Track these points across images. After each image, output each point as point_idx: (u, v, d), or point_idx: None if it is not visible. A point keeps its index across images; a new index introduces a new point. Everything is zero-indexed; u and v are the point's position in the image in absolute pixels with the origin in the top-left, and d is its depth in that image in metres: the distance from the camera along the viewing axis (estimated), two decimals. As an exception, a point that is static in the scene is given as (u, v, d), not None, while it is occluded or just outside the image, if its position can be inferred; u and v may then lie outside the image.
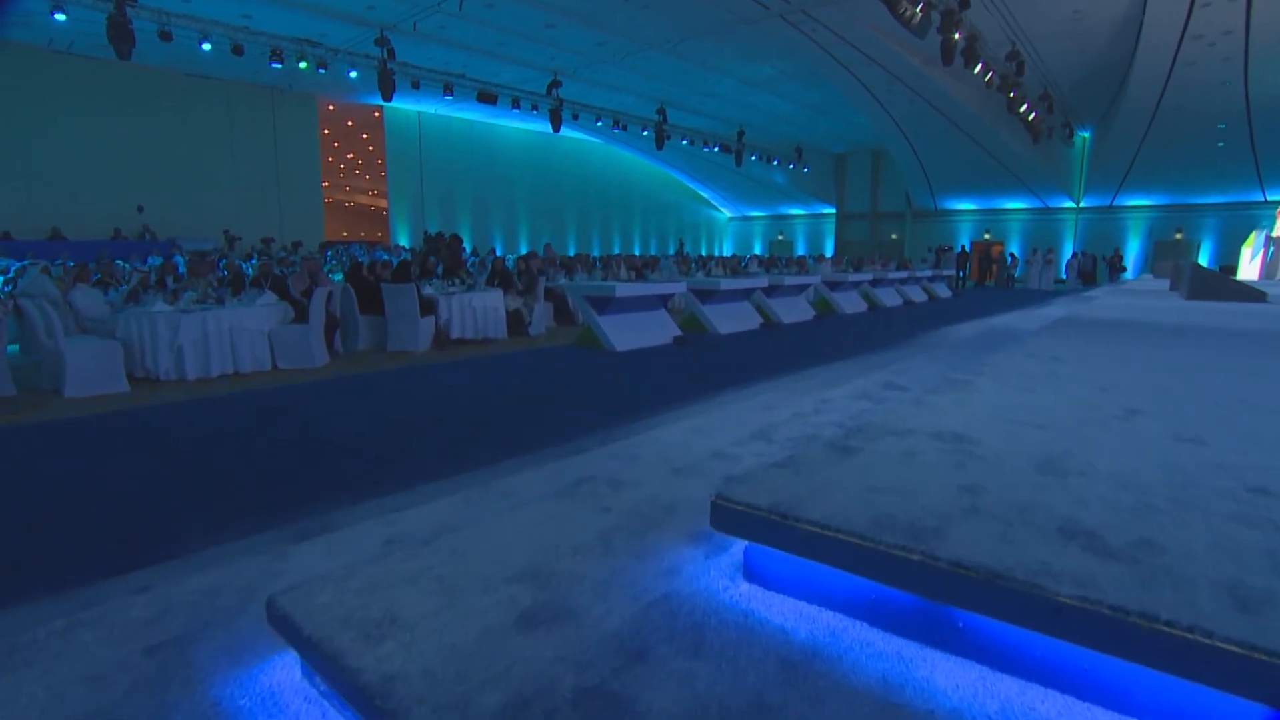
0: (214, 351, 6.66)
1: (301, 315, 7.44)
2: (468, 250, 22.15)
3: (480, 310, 9.06)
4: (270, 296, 7.46)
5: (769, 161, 27.81)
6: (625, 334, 8.08)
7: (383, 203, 26.07)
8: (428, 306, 8.57)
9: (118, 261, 12.28)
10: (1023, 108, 16.81)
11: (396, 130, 23.73)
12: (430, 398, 5.61)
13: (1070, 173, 24.63)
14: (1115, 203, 24.62)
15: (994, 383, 3.40)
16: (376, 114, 23.42)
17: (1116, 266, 23.15)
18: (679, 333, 8.88)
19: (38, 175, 16.74)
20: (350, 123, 25.21)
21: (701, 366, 6.86)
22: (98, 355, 6.04)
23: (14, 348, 8.36)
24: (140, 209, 17.67)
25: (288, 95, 20.46)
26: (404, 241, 23.82)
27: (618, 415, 4.46)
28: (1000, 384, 3.37)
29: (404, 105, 22.49)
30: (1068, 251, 25.57)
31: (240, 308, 6.91)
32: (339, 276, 12.55)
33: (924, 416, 2.62)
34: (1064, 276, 23.95)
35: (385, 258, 17.91)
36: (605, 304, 8.03)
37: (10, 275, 11.61)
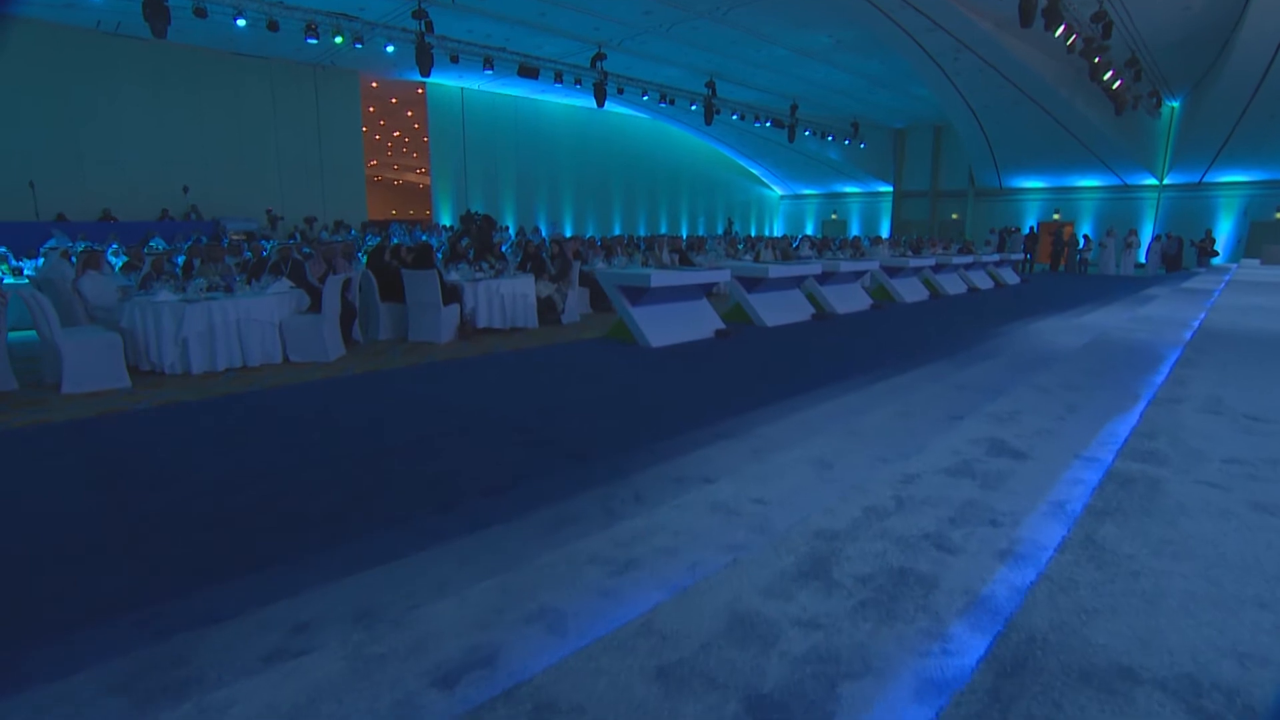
0: (220, 344, 6.25)
1: (318, 304, 7.00)
2: (511, 231, 21.70)
3: (508, 298, 8.48)
4: (284, 284, 7.02)
5: (823, 137, 26.46)
6: (661, 328, 7.38)
7: (430, 181, 25.88)
8: (452, 294, 8.04)
9: (150, 244, 12.16)
10: (1107, 75, 15.26)
11: (439, 107, 23.31)
12: (431, 407, 5.03)
13: (1154, 147, 22.63)
14: (1205, 179, 22.54)
15: (1195, 483, 2.29)
16: (420, 90, 23.02)
17: (1207, 251, 21.11)
18: (721, 325, 8.13)
19: (89, 156, 16.87)
20: (394, 100, 24.90)
21: (744, 371, 6.10)
22: (96, 349, 5.68)
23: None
24: (185, 190, 17.68)
25: (330, 72, 20.19)
26: (447, 221, 23.51)
27: (633, 448, 3.67)
28: (1210, 484, 2.26)
29: (446, 81, 22.02)
30: (1146, 233, 23.61)
31: (249, 297, 6.47)
32: (371, 259, 12.15)
33: (1121, 600, 1.54)
34: (1143, 261, 22.11)
35: (424, 238, 17.63)
36: (640, 294, 7.34)
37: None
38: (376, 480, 3.35)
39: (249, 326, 6.41)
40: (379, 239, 15.18)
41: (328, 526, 2.78)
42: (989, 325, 8.67)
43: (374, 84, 22.21)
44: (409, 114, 26.50)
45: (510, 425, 4.34)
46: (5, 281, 9.40)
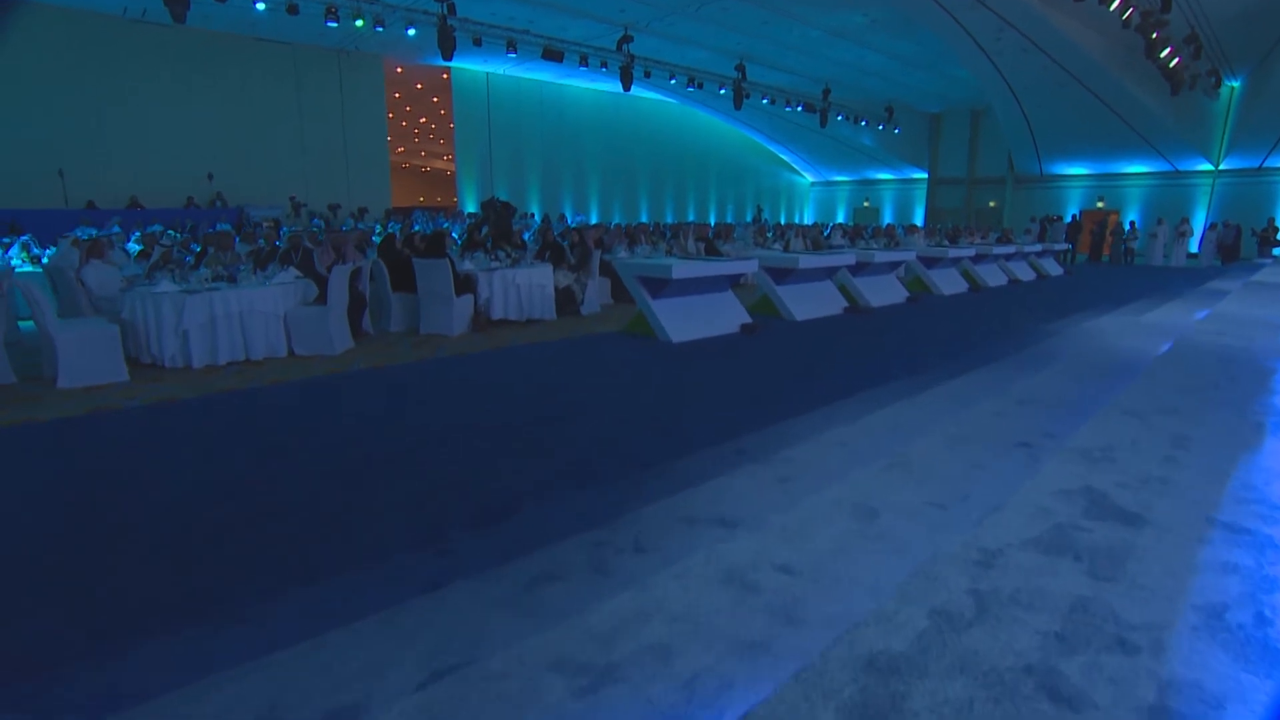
0: (222, 336, 5.99)
1: (326, 294, 6.71)
2: (537, 218, 21.37)
3: (525, 288, 8.13)
4: (290, 274, 6.75)
5: (856, 122, 25.64)
6: (683, 322, 6.96)
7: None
8: (466, 284, 7.71)
9: (169, 232, 12.06)
10: (1164, 52, 14.32)
11: (464, 92, 23.02)
12: (433, 409, 4.69)
13: (1211, 130, 21.42)
14: (1266, 164, 21.30)
15: None
16: (445, 76, 22.73)
17: (1269, 240, 19.88)
18: (748, 319, 7.69)
19: (116, 144, 16.90)
20: (419, 85, 24.66)
21: (771, 372, 5.65)
22: (93, 341, 5.45)
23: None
24: (210, 176, 17.65)
25: (354, 58, 19.99)
26: (472, 208, 23.28)
27: (643, 467, 3.22)
28: None
29: (471, 66, 21.70)
30: (1198, 221, 22.43)
31: (253, 288, 6.21)
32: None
33: None
34: (1195, 251, 21.00)
35: (446, 225, 17.36)
36: (661, 286, 6.93)
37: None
38: (357, 498, 3.00)
39: (252, 318, 6.14)
40: (399, 226, 14.93)
41: (284, 564, 2.39)
42: (1038, 321, 8.06)
43: (399, 69, 21.97)
44: (435, 100, 26.27)
45: (514, 432, 3.98)
46: (18, 270, 9.33)
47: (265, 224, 14.37)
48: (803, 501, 2.51)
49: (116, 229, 12.30)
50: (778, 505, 2.52)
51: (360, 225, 16.05)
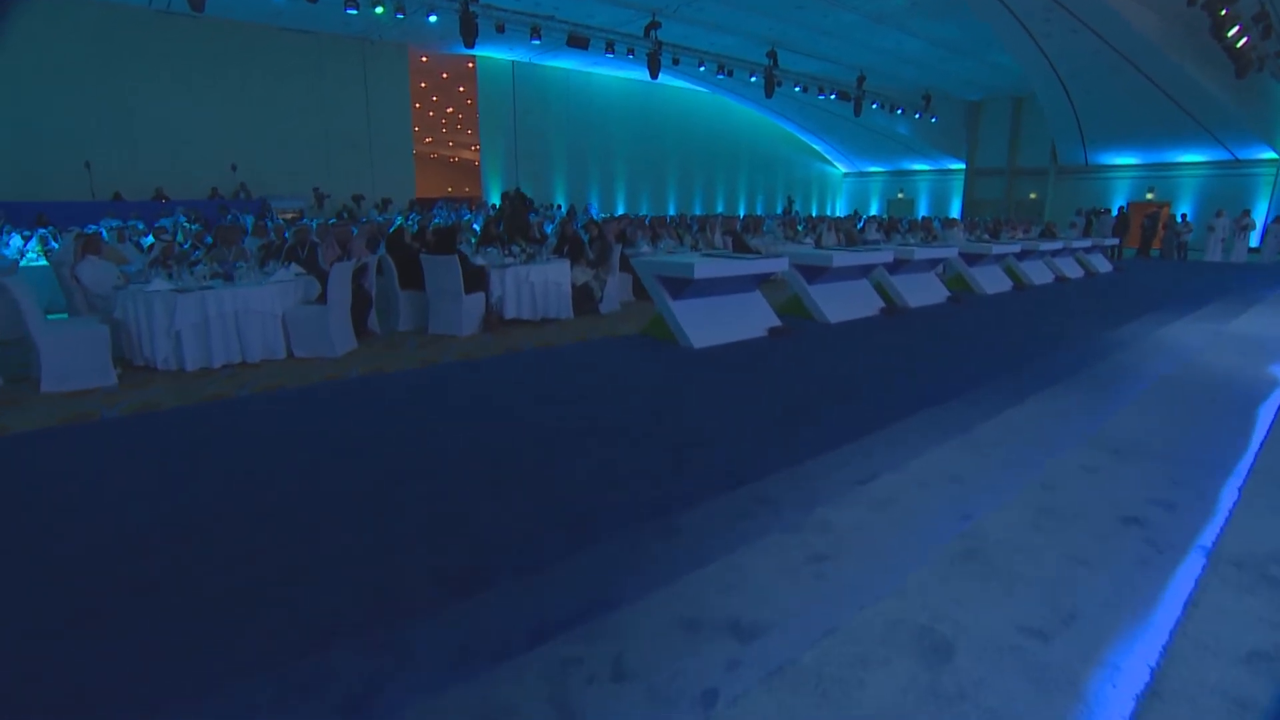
0: (216, 338, 5.66)
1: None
2: (564, 210, 20.96)
3: (539, 286, 7.70)
4: (290, 271, 6.40)
5: (892, 110, 24.68)
6: (706, 325, 6.46)
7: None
8: (477, 281, 7.31)
9: (185, 224, 11.88)
10: (1232, 30, 13.30)
11: (489, 81, 22.64)
12: (423, 429, 4.23)
13: (1276, 115, 20.13)
14: (1335, 153, 19.98)
15: None
16: (470, 65, 22.37)
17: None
18: (776, 322, 7.15)
19: (141, 136, 16.85)
20: (445, 75, 24.36)
21: (801, 387, 5.09)
22: (79, 343, 5.15)
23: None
24: (233, 168, 17.53)
25: (378, 47, 19.72)
26: (496, 199, 22.96)
27: (642, 520, 2.71)
28: None
29: (496, 54, 21.30)
30: (1260, 213, 21.13)
31: (249, 286, 5.86)
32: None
33: None
34: (1257, 245, 19.79)
35: (468, 217, 17.01)
36: (683, 286, 6.44)
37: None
38: (302, 559, 2.50)
39: (248, 318, 5.81)
40: (418, 218, 14.62)
41: (181, 664, 1.88)
42: (1100, 327, 7.32)
43: (424, 58, 21.66)
44: (461, 90, 25.97)
45: (504, 465, 3.51)
46: (35, 265, 9.18)
47: (286, 216, 14.21)
48: (846, 619, 1.80)
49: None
50: (810, 610, 1.86)
51: (381, 217, 15.80)
